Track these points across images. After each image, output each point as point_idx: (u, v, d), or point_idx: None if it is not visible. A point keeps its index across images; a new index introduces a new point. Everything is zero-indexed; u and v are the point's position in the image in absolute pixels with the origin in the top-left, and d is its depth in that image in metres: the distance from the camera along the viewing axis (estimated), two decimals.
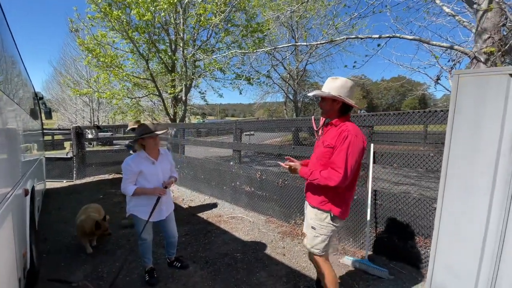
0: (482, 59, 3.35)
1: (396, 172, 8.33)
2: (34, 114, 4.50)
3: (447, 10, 4.22)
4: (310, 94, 2.09)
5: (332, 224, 1.92)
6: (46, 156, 6.72)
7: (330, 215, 1.89)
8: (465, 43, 4.71)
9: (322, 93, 1.87)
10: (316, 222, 1.95)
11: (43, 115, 6.19)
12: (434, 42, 4.10)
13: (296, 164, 2.04)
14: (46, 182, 6.31)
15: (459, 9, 4.47)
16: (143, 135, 2.44)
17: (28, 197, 2.51)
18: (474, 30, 3.76)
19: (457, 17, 4.22)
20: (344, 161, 1.72)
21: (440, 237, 1.97)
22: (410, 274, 2.70)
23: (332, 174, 1.75)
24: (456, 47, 3.91)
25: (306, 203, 2.10)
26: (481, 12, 3.38)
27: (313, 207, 1.97)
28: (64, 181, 7.12)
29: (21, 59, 3.60)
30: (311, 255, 2.07)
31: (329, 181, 1.75)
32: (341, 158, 1.74)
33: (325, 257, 2.04)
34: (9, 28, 2.61)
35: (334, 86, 1.85)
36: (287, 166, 2.08)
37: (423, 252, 2.71)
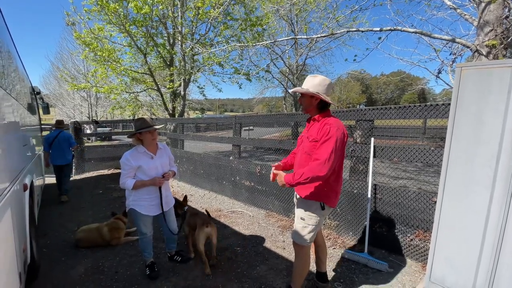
0: (484, 52, 3.33)
1: (395, 166, 8.37)
2: (31, 109, 4.46)
3: (448, 3, 4.17)
4: (291, 90, 2.49)
5: (321, 214, 1.98)
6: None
7: (321, 204, 1.95)
8: (466, 37, 4.67)
9: (301, 90, 1.97)
10: (305, 213, 2.01)
11: (40, 110, 6.14)
12: (436, 35, 4.06)
13: (280, 173, 2.00)
14: (45, 177, 6.29)
15: (460, 2, 4.42)
16: (141, 129, 2.41)
17: (27, 192, 2.50)
18: (475, 23, 3.73)
19: (458, 10, 4.16)
20: (326, 151, 1.78)
21: (440, 230, 1.98)
22: (410, 267, 2.72)
23: (315, 165, 1.77)
24: (458, 40, 3.87)
25: (296, 195, 2.15)
26: (483, 4, 3.34)
27: (303, 198, 2.02)
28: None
29: (18, 53, 3.55)
30: (295, 244, 2.12)
31: (315, 173, 1.76)
32: (322, 149, 1.80)
33: (309, 248, 2.10)
34: (5, 23, 2.56)
35: (313, 83, 1.96)
36: (274, 178, 2.08)
37: (422, 245, 2.73)
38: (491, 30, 3.29)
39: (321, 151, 1.81)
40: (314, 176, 1.76)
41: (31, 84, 5.27)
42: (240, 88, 14.33)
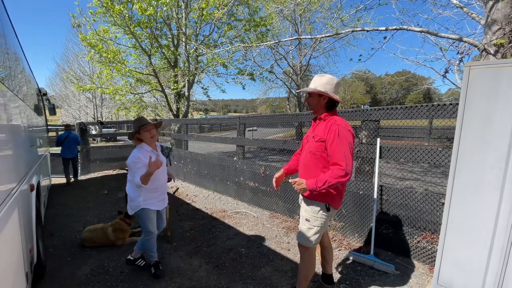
0: (492, 51, 3.28)
1: (401, 167, 8.28)
2: (38, 110, 4.51)
3: (454, 1, 4.12)
4: (298, 90, 2.30)
5: (326, 216, 1.96)
6: (50, 152, 6.77)
7: (326, 206, 1.93)
8: (472, 36, 4.61)
9: (309, 89, 1.97)
10: (310, 214, 1.99)
11: (47, 111, 6.21)
12: (442, 34, 4.01)
13: (300, 179, 1.92)
14: (51, 178, 6.37)
15: (466, 0, 4.37)
16: (140, 127, 2.45)
17: (34, 192, 2.52)
18: (482, 22, 3.67)
19: (465, 9, 4.11)
20: (343, 154, 1.77)
21: (448, 231, 1.95)
22: (417, 269, 2.68)
23: (337, 171, 1.76)
24: (465, 38, 3.82)
25: (300, 196, 2.12)
26: (491, 3, 3.29)
27: (308, 199, 2.00)
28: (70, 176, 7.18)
29: (25, 56, 3.59)
30: (300, 245, 2.10)
31: (339, 178, 1.76)
32: (339, 152, 1.78)
33: (314, 249, 2.08)
34: (12, 25, 2.59)
35: (320, 82, 1.95)
36: (294, 184, 1.97)
37: (429, 247, 2.69)
38: (499, 28, 3.24)
39: (338, 154, 1.78)
40: (339, 181, 1.76)
41: (38, 86, 5.33)
42: (244, 88, 14.38)
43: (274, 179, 2.26)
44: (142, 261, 2.76)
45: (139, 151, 2.44)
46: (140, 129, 2.45)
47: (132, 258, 2.75)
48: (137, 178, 2.34)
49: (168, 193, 3.80)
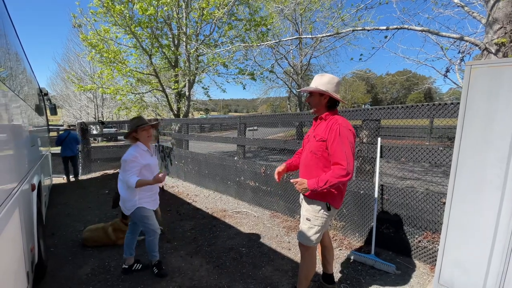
0: (493, 50, 3.27)
1: (402, 167, 8.27)
2: (39, 110, 4.52)
3: (455, 0, 4.11)
4: (300, 90, 2.31)
5: (327, 215, 1.96)
6: (52, 152, 6.79)
7: (327, 205, 1.93)
8: (473, 35, 4.60)
9: (310, 88, 1.97)
10: (311, 213, 1.99)
11: (48, 111, 6.22)
12: (443, 33, 4.00)
13: (301, 180, 1.92)
14: (52, 177, 6.39)
15: None
16: (138, 126, 2.46)
17: (35, 192, 2.53)
18: (484, 21, 3.66)
19: (466, 8, 4.10)
20: (344, 153, 1.77)
21: (449, 231, 1.94)
22: (418, 269, 2.68)
23: (338, 170, 1.76)
24: (466, 38, 3.81)
25: (301, 195, 2.12)
26: (492, 2, 3.28)
27: (309, 198, 1.99)
28: (71, 176, 7.20)
29: (26, 56, 3.60)
30: (300, 244, 2.10)
31: (340, 178, 1.75)
32: (340, 152, 1.78)
33: (315, 249, 2.08)
34: (13, 25, 2.60)
35: (321, 82, 1.95)
36: (295, 184, 1.98)
37: (430, 247, 2.68)
38: (500, 27, 3.23)
39: (339, 153, 1.78)
40: (340, 181, 1.76)
41: (39, 86, 5.34)
42: (244, 88, 14.30)
43: (276, 172, 2.25)
44: (138, 265, 2.75)
45: (136, 150, 2.44)
46: (137, 128, 2.46)
47: (126, 266, 2.71)
48: (132, 179, 2.32)
49: (169, 193, 3.80)
